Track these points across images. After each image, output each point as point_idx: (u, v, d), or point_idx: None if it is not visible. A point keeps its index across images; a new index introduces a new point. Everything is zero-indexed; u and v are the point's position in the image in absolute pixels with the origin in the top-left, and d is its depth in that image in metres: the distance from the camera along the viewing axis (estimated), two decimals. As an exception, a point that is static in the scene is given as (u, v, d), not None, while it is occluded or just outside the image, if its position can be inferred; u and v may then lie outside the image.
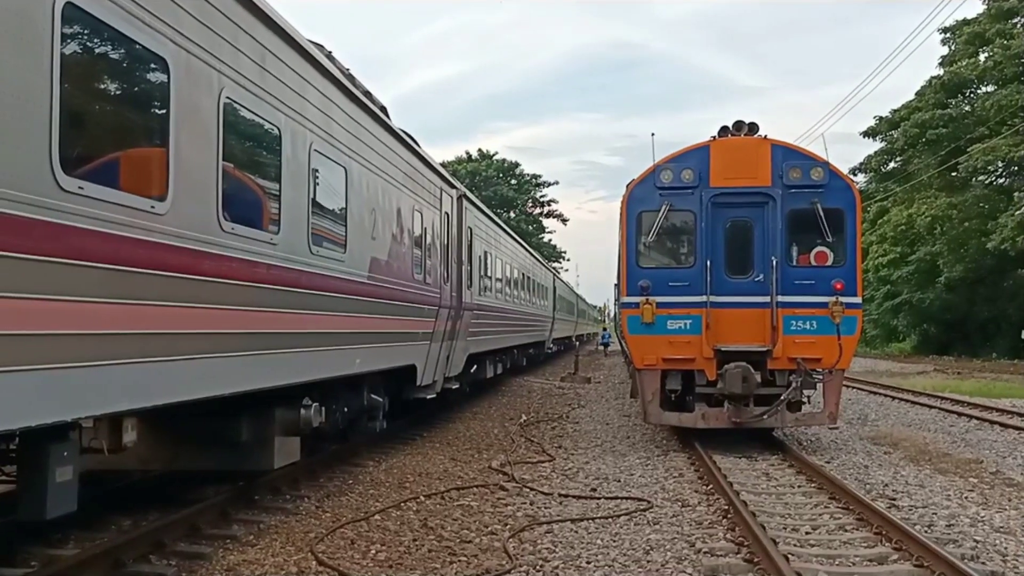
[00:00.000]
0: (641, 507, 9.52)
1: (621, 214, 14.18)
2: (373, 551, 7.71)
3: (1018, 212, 44.99)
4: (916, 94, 56.19)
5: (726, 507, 9.36)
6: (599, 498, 10.10)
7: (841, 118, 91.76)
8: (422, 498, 9.91)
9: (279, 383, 7.96)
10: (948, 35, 54.93)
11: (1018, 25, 50.59)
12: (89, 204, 5.11)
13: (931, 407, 21.09)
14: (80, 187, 5.03)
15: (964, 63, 52.18)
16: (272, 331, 7.68)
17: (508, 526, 8.67)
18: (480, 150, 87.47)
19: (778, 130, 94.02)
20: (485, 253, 19.52)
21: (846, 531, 8.53)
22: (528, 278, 29.23)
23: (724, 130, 14.14)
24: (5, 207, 4.46)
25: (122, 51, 5.66)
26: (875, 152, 59.95)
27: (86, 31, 5.27)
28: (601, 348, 61.13)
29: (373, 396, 11.48)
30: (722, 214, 13.69)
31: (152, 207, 5.81)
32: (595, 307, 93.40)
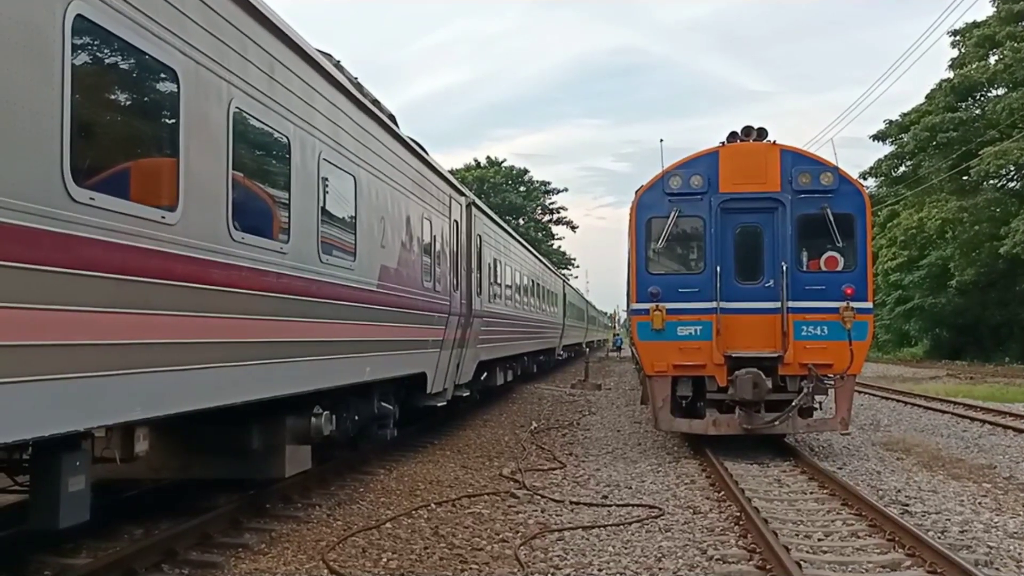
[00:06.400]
0: (653, 514, 9.49)
1: (630, 220, 14.16)
2: (384, 559, 7.71)
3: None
4: (926, 97, 56.04)
5: (738, 514, 9.32)
6: (610, 505, 10.07)
7: (851, 122, 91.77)
8: (433, 506, 9.90)
9: (290, 391, 7.97)
10: (958, 38, 54.79)
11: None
12: (100, 215, 5.14)
13: (943, 412, 20.98)
14: (91, 198, 5.06)
15: (974, 66, 52.00)
16: (282, 340, 7.69)
17: (519, 534, 8.66)
18: (488, 157, 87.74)
19: (785, 135, 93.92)
20: (495, 260, 19.53)
21: (859, 537, 8.49)
22: (538, 285, 29.22)
23: (733, 136, 14.11)
24: (17, 218, 4.49)
25: (132, 62, 5.70)
26: (885, 156, 59.86)
27: (96, 42, 5.31)
28: (614, 351, 68.55)
29: (384, 404, 11.49)
30: (732, 220, 13.66)
31: (162, 217, 5.84)
32: (605, 314, 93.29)
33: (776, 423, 13.10)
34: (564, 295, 40.23)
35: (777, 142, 13.88)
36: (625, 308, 28.36)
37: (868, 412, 20.96)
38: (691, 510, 9.73)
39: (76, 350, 4.98)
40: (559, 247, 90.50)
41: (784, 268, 13.25)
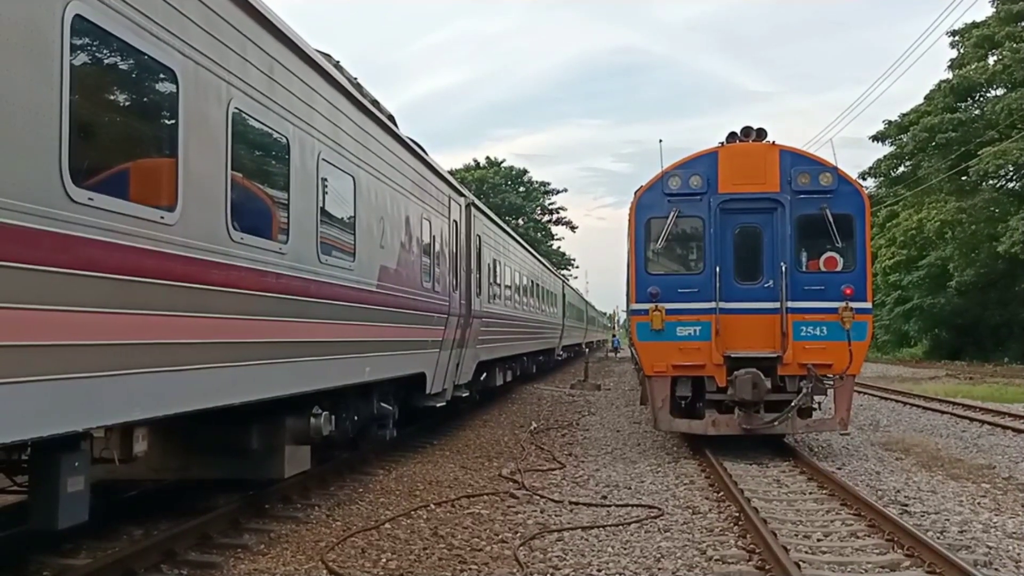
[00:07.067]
0: (652, 514, 9.49)
1: (630, 221, 14.16)
2: (383, 560, 7.71)
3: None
4: (925, 98, 56.09)
5: (737, 514, 9.32)
6: (610, 505, 10.08)
7: (850, 122, 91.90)
8: (432, 506, 9.91)
9: (289, 392, 7.97)
10: (957, 38, 54.82)
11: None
12: (99, 215, 5.14)
13: (943, 412, 20.98)
14: (90, 198, 5.06)
15: (973, 67, 52.03)
16: (282, 340, 7.69)
17: (519, 534, 8.66)
18: (488, 157, 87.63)
19: (785, 135, 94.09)
20: (494, 261, 19.53)
21: (858, 538, 8.50)
22: (537, 285, 29.22)
23: (732, 136, 14.11)
24: (16, 219, 4.49)
25: (131, 62, 5.70)
26: (884, 156, 59.90)
27: (95, 43, 5.31)
28: (612, 352, 70.07)
29: (383, 404, 11.49)
30: (731, 220, 13.66)
31: (162, 217, 5.83)
32: (604, 314, 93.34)
33: (775, 423, 13.10)
34: (563, 295, 40.24)
35: (776, 142, 13.88)
36: (624, 308, 28.38)
37: (867, 412, 20.96)
38: (690, 510, 9.73)
39: (75, 350, 4.98)
40: (559, 247, 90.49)
41: (783, 268, 13.26)
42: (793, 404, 12.99)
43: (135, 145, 5.93)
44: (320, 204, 8.61)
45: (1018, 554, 7.94)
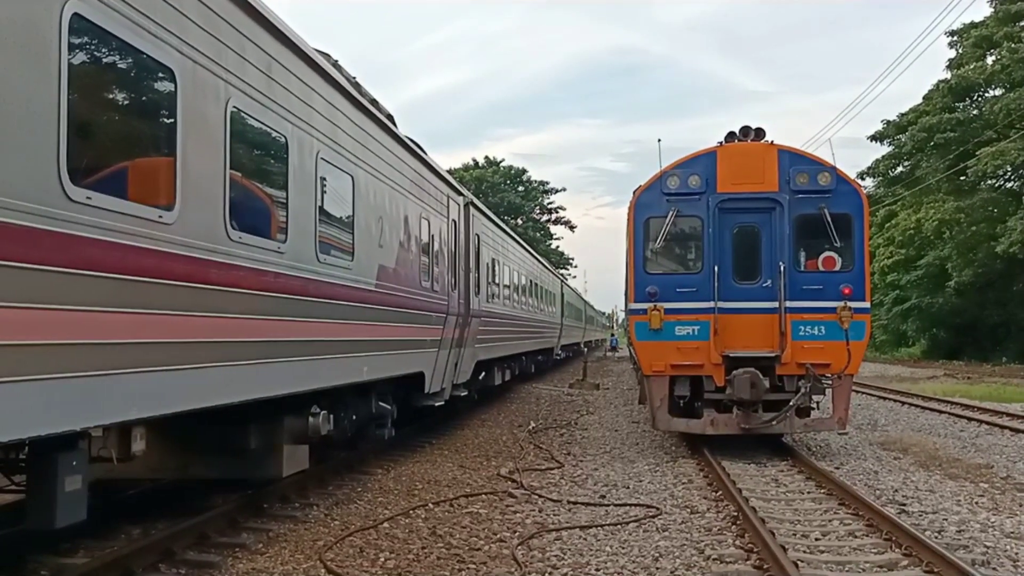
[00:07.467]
0: (650, 514, 9.50)
1: (628, 220, 14.17)
2: (382, 559, 7.71)
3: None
4: (923, 98, 56.07)
5: (735, 513, 9.33)
6: (608, 505, 10.08)
7: (848, 122, 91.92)
8: (431, 506, 9.91)
9: (287, 391, 7.97)
10: (955, 38, 54.84)
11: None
12: (97, 214, 5.14)
13: (941, 412, 20.99)
14: (88, 197, 5.05)
15: (972, 66, 52.05)
16: (280, 339, 7.69)
17: (517, 533, 8.66)
18: (487, 157, 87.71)
19: (784, 135, 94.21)
20: (493, 260, 19.53)
21: (856, 537, 8.50)
22: (536, 285, 29.21)
23: (731, 135, 14.12)
24: (13, 218, 4.48)
25: (129, 61, 5.69)
26: (883, 156, 59.91)
27: (93, 42, 5.30)
28: (611, 352, 70.41)
29: (381, 403, 11.49)
30: (729, 220, 13.67)
31: (160, 216, 5.83)
32: (603, 313, 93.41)
33: (774, 423, 13.11)
34: (562, 295, 40.23)
35: (775, 142, 13.89)
36: (623, 308, 28.37)
37: (865, 412, 20.97)
38: (688, 510, 9.73)
39: (73, 349, 4.98)
40: (557, 247, 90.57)
41: (782, 268, 13.26)
42: (791, 403, 13.00)
43: (133, 144, 5.92)
44: (319, 203, 8.61)
45: (1016, 553, 7.95)
